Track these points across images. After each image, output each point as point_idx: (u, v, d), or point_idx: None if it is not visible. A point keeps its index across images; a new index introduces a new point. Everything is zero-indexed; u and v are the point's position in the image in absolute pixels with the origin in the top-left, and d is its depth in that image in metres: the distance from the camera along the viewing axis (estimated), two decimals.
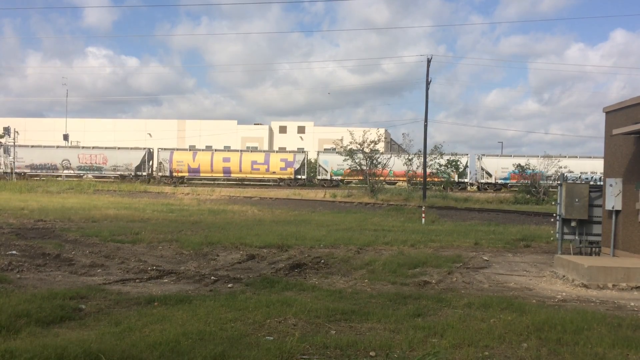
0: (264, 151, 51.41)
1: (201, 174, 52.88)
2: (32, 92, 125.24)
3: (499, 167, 50.34)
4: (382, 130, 62.20)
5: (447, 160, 48.70)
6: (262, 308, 7.37)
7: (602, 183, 13.57)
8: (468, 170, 50.81)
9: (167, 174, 52.83)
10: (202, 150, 56.50)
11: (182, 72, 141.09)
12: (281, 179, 51.49)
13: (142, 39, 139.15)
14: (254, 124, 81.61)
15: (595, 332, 6.63)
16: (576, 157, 49.57)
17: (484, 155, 51.35)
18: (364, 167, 41.34)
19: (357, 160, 41.10)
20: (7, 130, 54.65)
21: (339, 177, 51.18)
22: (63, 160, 53.79)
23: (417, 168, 43.41)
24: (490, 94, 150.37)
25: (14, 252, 12.09)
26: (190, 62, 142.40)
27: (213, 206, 29.26)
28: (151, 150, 55.74)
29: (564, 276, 11.05)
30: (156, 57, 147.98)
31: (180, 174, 52.79)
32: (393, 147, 74.60)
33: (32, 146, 55.61)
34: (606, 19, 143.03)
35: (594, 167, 46.50)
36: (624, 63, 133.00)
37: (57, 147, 56.46)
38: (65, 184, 45.41)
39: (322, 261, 12.03)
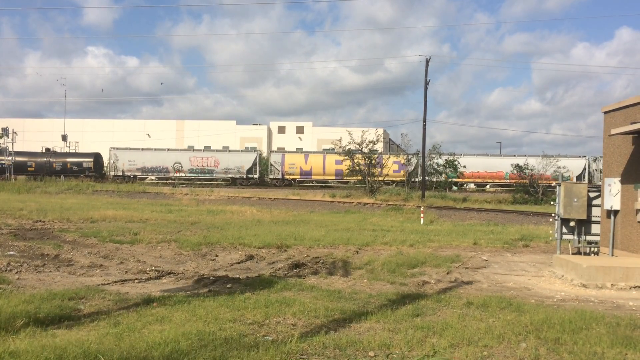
0: (378, 153, 51.02)
1: (313, 177, 52.80)
2: (31, 92, 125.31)
3: None
4: (380, 131, 62.28)
5: (446, 160, 48.80)
6: (261, 308, 7.38)
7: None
8: (585, 173, 50.05)
9: (279, 176, 52.76)
10: (314, 152, 56.46)
11: (183, 72, 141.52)
12: (393, 181, 49.72)
13: (143, 38, 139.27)
14: (253, 124, 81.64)
15: (593, 331, 6.63)
16: None
17: (601, 157, 50.42)
18: (363, 167, 41.36)
19: (355, 161, 41.13)
20: (5, 130, 54.62)
21: (453, 179, 50.62)
22: (175, 163, 53.65)
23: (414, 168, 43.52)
24: (492, 93, 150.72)
25: (12, 252, 12.07)
26: (190, 62, 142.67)
27: (212, 206, 29.26)
28: (261, 153, 55.78)
29: (562, 276, 11.06)
30: (156, 56, 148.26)
31: (292, 177, 52.80)
32: (392, 147, 74.62)
33: (143, 149, 55.63)
34: (611, 17, 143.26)
35: None
36: (629, 62, 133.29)
37: (168, 150, 56.42)
38: (64, 184, 45.34)
39: (321, 261, 12.03)
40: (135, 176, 53.08)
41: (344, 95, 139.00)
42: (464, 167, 50.75)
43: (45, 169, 53.58)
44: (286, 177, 52.82)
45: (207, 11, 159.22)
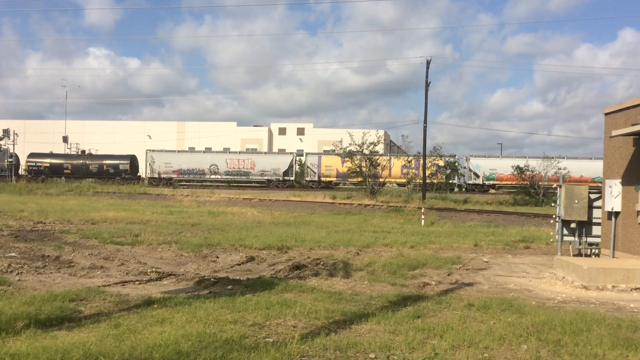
0: (415, 155, 49.83)
1: (349, 179, 52.16)
2: (32, 93, 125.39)
3: None
4: (381, 132, 62.38)
5: (445, 161, 48.85)
6: (262, 310, 7.37)
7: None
8: None
9: (315, 178, 52.41)
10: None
11: (184, 73, 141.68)
12: (431, 183, 48.24)
13: (144, 39, 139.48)
14: (254, 126, 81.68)
15: (594, 333, 6.63)
16: None
17: None
18: (363, 169, 41.37)
19: (356, 162, 41.15)
20: (6, 132, 54.72)
21: (492, 182, 50.03)
22: (211, 165, 53.52)
23: (415, 170, 43.60)
24: (495, 95, 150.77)
25: (13, 254, 12.08)
26: (192, 63, 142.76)
27: (212, 208, 29.26)
28: (297, 154, 55.77)
29: (563, 277, 11.05)
30: (158, 57, 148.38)
31: (328, 179, 52.43)
32: (392, 148, 74.63)
33: (179, 151, 55.88)
34: (615, 18, 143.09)
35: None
36: (632, 63, 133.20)
37: (204, 151, 56.69)
38: (65, 186, 45.35)
39: (322, 263, 12.03)
40: (171, 178, 53.04)
41: (346, 97, 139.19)
42: (470, 167, 50.83)
43: (81, 171, 53.87)
44: (323, 179, 52.44)
45: (209, 12, 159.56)
